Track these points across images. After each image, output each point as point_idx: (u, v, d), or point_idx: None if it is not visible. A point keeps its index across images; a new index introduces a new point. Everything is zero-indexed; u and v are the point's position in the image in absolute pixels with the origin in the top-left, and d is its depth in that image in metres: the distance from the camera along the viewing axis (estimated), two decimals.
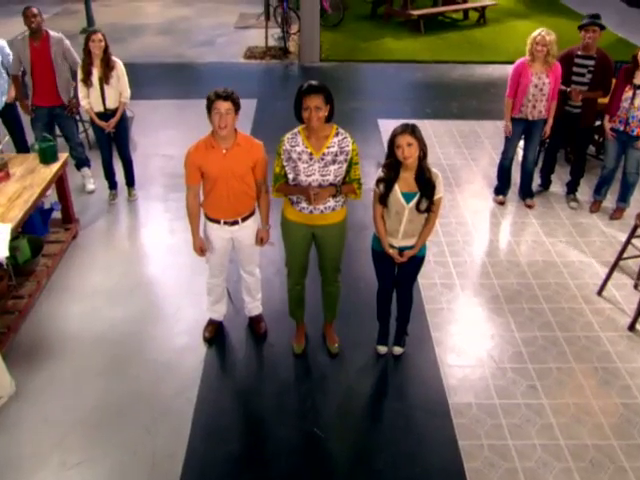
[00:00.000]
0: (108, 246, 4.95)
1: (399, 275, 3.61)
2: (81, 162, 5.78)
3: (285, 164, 3.29)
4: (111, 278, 4.53)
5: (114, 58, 5.12)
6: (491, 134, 7.03)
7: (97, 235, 5.11)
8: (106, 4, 13.47)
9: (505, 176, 5.62)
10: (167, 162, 6.33)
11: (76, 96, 5.29)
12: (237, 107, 3.24)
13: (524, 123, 5.21)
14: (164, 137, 6.88)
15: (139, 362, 3.76)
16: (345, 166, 3.24)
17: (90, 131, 6.40)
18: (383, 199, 3.30)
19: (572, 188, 5.69)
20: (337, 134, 3.22)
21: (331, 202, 3.32)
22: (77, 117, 6.04)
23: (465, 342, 3.99)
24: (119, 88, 5.16)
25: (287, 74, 9.25)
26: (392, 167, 3.23)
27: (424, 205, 3.26)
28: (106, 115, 5.21)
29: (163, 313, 4.17)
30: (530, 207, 5.58)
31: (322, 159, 3.20)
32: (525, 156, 5.49)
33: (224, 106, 3.16)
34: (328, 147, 3.19)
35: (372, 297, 3.84)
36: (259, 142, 3.45)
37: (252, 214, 3.61)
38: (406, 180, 3.25)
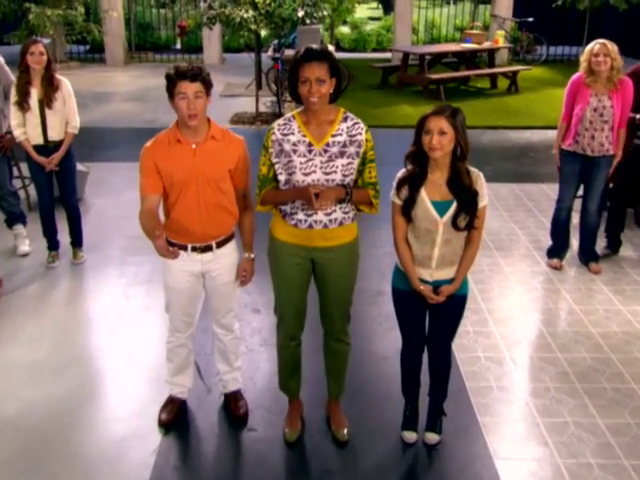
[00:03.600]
0: (38, 314, 4.75)
1: (432, 325, 3.30)
2: (14, 217, 5.57)
3: (275, 161, 3.03)
4: (38, 351, 4.30)
5: (59, 76, 5.02)
6: (537, 197, 7.17)
7: (25, 301, 4.91)
8: (68, 73, 14.06)
9: (561, 233, 5.42)
10: (127, 223, 6.19)
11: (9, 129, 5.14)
12: (209, 88, 3.06)
13: (581, 160, 5.03)
14: (126, 199, 6.82)
15: (61, 456, 3.39)
16: (357, 162, 3.00)
17: (31, 188, 6.19)
18: (406, 210, 3.00)
19: None
20: (345, 119, 3.01)
21: (337, 212, 3.04)
22: (9, 157, 5.73)
23: (526, 429, 3.63)
24: (65, 114, 5.01)
25: None
26: (418, 160, 2.97)
27: (463, 221, 2.98)
28: (47, 149, 5.04)
29: (103, 392, 3.95)
30: (596, 273, 5.32)
31: (325, 151, 2.96)
32: (585, 206, 5.28)
33: (192, 88, 2.97)
34: (333, 135, 2.97)
35: (394, 361, 3.66)
36: (239, 137, 3.24)
37: (231, 238, 3.34)
38: (435, 184, 3.00)
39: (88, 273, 5.33)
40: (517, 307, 4.85)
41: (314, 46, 2.92)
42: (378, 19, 21.76)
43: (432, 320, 3.27)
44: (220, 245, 3.27)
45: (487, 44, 13.00)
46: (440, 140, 2.86)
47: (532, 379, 4.03)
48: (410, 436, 3.47)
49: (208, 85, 3.05)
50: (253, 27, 9.31)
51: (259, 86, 10.92)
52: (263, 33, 12.16)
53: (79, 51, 15.87)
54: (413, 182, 2.99)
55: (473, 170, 3.01)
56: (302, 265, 3.15)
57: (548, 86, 12.93)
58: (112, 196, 6.88)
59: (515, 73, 12.50)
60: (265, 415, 3.66)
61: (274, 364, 3.65)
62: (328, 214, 3.01)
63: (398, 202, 3.03)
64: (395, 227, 3.11)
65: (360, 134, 3.00)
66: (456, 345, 4.14)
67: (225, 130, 3.22)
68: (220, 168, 3.14)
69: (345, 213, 3.06)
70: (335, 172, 2.96)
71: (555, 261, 5.43)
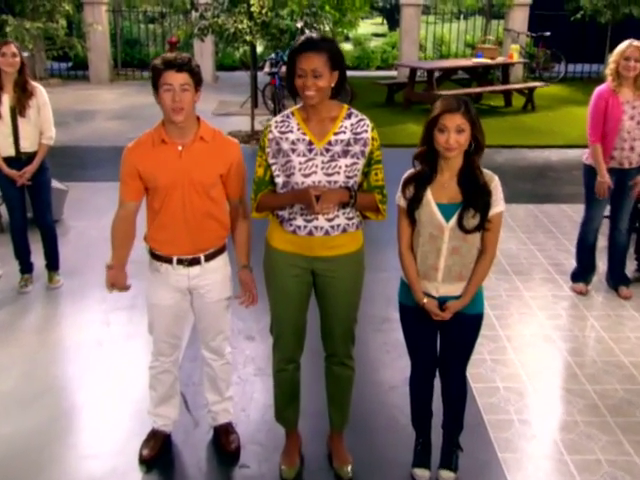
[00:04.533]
0: (8, 342, 4.70)
1: (444, 347, 3.25)
2: None
3: (272, 161, 3.01)
4: (5, 382, 4.25)
5: (34, 82, 5.04)
6: (557, 218, 7.21)
7: None
8: (48, 90, 14.07)
9: (588, 255, 5.39)
10: (109, 245, 6.10)
11: None
12: (198, 81, 3.04)
13: (615, 176, 4.97)
14: (109, 220, 6.71)
15: None
16: (362, 163, 2.98)
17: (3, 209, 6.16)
18: (411, 210, 3.00)
19: None
20: (349, 115, 3.00)
21: (340, 218, 3.01)
22: None
23: (553, 467, 3.55)
24: (39, 124, 5.01)
25: None
26: (427, 160, 2.96)
27: (472, 220, 2.93)
28: (19, 162, 5.02)
29: (77, 426, 3.89)
30: (626, 298, 5.27)
31: (327, 150, 2.95)
32: (615, 224, 5.28)
33: (178, 79, 2.95)
34: (336, 133, 2.96)
35: (403, 391, 3.63)
36: (233, 140, 3.23)
37: (221, 251, 3.30)
38: (443, 184, 2.97)
39: (65, 298, 5.29)
40: (539, 334, 4.80)
41: (314, 35, 2.92)
42: (383, 35, 22.09)
43: (443, 341, 3.22)
44: (209, 258, 3.23)
45: (501, 59, 13.14)
46: (458, 139, 2.84)
47: (558, 412, 3.97)
48: (422, 474, 3.40)
49: (197, 77, 3.02)
50: (248, 38, 9.39)
51: (255, 104, 10.98)
52: (259, 48, 12.31)
53: (60, 68, 16.03)
54: (419, 181, 2.97)
55: (487, 172, 2.99)
56: (301, 277, 3.11)
57: (567, 104, 13.06)
58: (93, 218, 6.83)
59: (531, 90, 12.60)
60: (259, 450, 3.61)
61: (269, 395, 3.61)
62: (330, 220, 2.97)
63: (403, 205, 3.02)
64: (399, 232, 3.09)
65: (366, 131, 2.97)
66: (472, 374, 4.09)
67: (217, 131, 3.19)
68: (209, 173, 3.11)
69: (349, 219, 3.02)
70: (338, 173, 2.93)
71: (580, 285, 5.38)
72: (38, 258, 5.49)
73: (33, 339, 4.72)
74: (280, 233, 3.08)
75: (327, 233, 2.99)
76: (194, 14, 9.70)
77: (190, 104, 3.01)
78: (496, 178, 2.98)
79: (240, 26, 9.26)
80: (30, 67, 5.25)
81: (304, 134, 2.96)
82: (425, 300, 3.04)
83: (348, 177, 2.95)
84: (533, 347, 4.64)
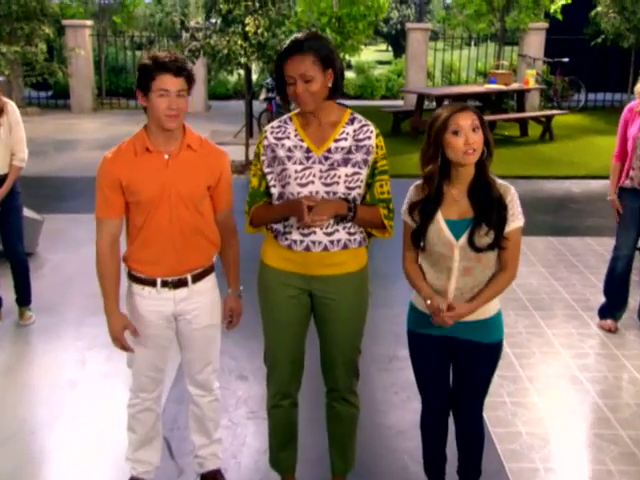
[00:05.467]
0: None
1: (457, 380, 3.18)
2: None
3: (267, 170, 2.99)
4: None
5: (5, 99, 5.03)
6: (581, 252, 7.23)
7: None
8: (25, 119, 14.23)
9: (617, 288, 5.34)
10: (87, 280, 6.05)
11: None
12: (191, 86, 3.04)
13: (635, 196, 4.97)
14: (87, 253, 6.67)
15: None
16: (365, 173, 2.96)
17: None
18: (417, 235, 2.96)
19: None
20: (352, 121, 2.99)
21: (340, 232, 2.97)
22: None
23: None
24: (10, 144, 5.01)
25: None
26: (437, 174, 2.90)
27: (484, 238, 2.87)
28: None
29: (46, 474, 3.83)
30: None
31: (326, 158, 2.92)
32: None
33: (175, 85, 2.93)
34: (336, 140, 2.94)
35: (413, 435, 3.59)
36: (221, 148, 3.23)
37: (210, 271, 3.26)
38: (452, 198, 2.93)
39: (37, 336, 5.25)
40: (564, 375, 4.74)
41: (299, 35, 2.89)
42: (388, 63, 22.39)
43: (457, 374, 3.16)
44: (197, 279, 3.18)
45: (515, 85, 13.24)
46: (476, 138, 2.80)
47: (588, 460, 3.87)
48: None
49: (192, 83, 3.03)
50: (243, 60, 9.47)
51: (250, 133, 11.03)
52: (254, 76, 12.43)
53: (39, 97, 16.19)
54: (427, 207, 2.92)
55: (502, 182, 2.94)
56: (298, 299, 3.07)
57: (588, 134, 13.22)
58: (70, 250, 6.91)
59: (549, 118, 12.72)
60: None
61: (264, 440, 3.57)
62: (329, 234, 2.93)
63: (409, 221, 3.01)
64: (403, 248, 3.09)
65: (369, 138, 2.95)
66: (490, 417, 4.05)
67: (203, 139, 3.18)
68: (197, 184, 3.08)
69: (350, 234, 2.98)
70: (337, 183, 2.91)
71: (609, 322, 5.32)
72: (8, 292, 5.46)
73: (0, 380, 4.65)
74: (275, 249, 3.05)
75: (326, 249, 2.95)
76: (184, 35, 9.77)
77: (184, 110, 3.00)
78: (512, 189, 2.93)
79: (234, 47, 9.36)
80: (6, 94, 5.24)
81: (302, 140, 2.94)
82: (428, 302, 2.93)
83: (349, 188, 2.92)
84: (558, 389, 4.57)
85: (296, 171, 2.91)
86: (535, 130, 12.97)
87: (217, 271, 3.30)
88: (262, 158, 2.98)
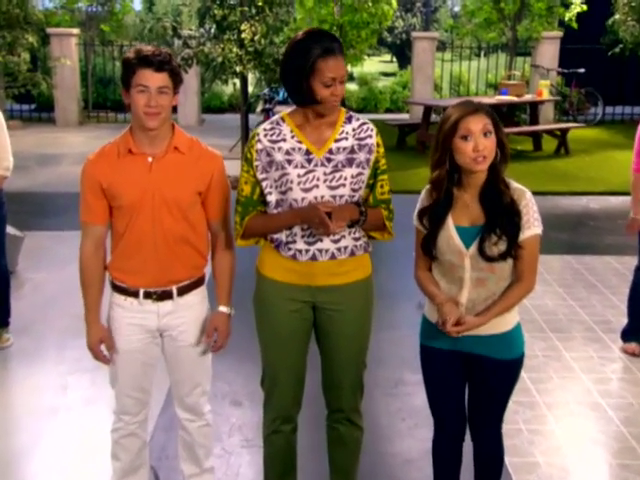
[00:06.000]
0: None
1: (473, 400, 3.15)
2: None
3: (262, 176, 2.97)
4: None
5: None
6: (601, 271, 7.22)
7: None
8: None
9: None
10: (71, 300, 6.04)
11: None
12: (177, 82, 3.01)
13: None
14: (71, 272, 6.69)
15: None
16: (367, 174, 3.00)
17: None
18: (428, 241, 2.95)
19: None
20: (349, 119, 3.02)
21: (347, 239, 2.99)
22: None
23: None
24: None
25: None
26: (445, 180, 2.89)
27: (495, 247, 2.84)
28: None
29: None
30: None
31: (328, 159, 2.94)
32: None
33: (156, 80, 2.90)
34: (337, 140, 2.97)
35: (422, 464, 3.62)
36: (215, 151, 3.19)
37: (199, 283, 3.22)
38: (464, 204, 2.91)
39: (15, 359, 5.23)
40: (584, 401, 4.70)
41: (321, 29, 2.99)
42: (392, 74, 22.50)
43: (473, 392, 3.13)
44: (183, 292, 3.14)
45: (528, 97, 13.27)
46: (488, 144, 2.77)
47: None
48: None
49: (177, 79, 2.99)
50: (238, 69, 9.51)
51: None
52: (250, 88, 12.45)
53: (22, 110, 16.22)
54: (437, 211, 2.92)
55: (517, 186, 2.91)
56: (301, 312, 3.07)
57: (606, 148, 13.26)
58: (53, 269, 6.90)
59: (564, 132, 12.76)
60: None
61: (259, 470, 3.55)
62: (336, 241, 2.95)
63: (419, 227, 3.01)
64: (415, 256, 3.08)
65: (370, 137, 3.00)
66: (506, 447, 3.83)
67: (194, 140, 3.14)
68: (184, 189, 3.05)
69: (356, 240, 3.01)
70: (343, 185, 2.93)
71: (633, 345, 5.30)
72: None
73: None
74: (275, 259, 3.04)
75: (333, 257, 2.97)
76: (177, 42, 9.80)
77: (167, 109, 2.96)
78: (528, 194, 2.90)
79: (229, 55, 9.39)
80: None
81: (300, 142, 2.94)
82: (445, 307, 2.88)
83: (354, 190, 2.96)
84: (578, 416, 4.54)
85: (299, 175, 2.91)
86: (549, 144, 12.99)
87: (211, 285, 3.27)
88: (255, 163, 2.95)
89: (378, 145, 2.99)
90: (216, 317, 3.21)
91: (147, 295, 3.10)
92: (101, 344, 3.15)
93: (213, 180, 3.09)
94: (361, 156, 2.95)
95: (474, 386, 3.09)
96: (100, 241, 3.10)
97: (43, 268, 6.96)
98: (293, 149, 2.93)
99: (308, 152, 2.92)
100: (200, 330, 3.22)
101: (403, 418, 4.38)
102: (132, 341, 3.14)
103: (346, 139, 2.95)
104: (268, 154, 2.94)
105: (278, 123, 2.99)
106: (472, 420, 3.16)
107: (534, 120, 13.51)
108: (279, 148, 2.94)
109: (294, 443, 3.29)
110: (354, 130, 2.97)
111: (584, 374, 5.02)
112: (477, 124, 2.76)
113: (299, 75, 2.85)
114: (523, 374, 4.71)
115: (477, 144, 2.75)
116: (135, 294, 3.11)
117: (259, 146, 2.95)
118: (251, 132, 3.23)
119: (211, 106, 17.99)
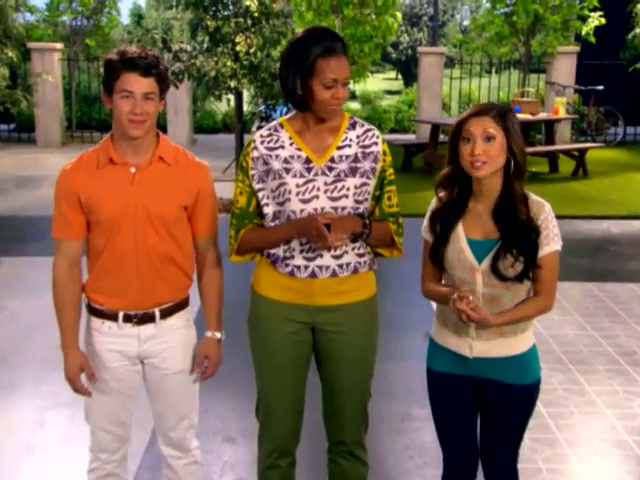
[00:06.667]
0: None
1: (485, 431, 3.11)
2: None
3: (258, 187, 2.96)
4: None
5: None
6: (625, 299, 7.24)
7: None
8: None
9: None
10: (49, 330, 6.00)
11: None
12: (164, 88, 2.98)
13: None
14: (49, 300, 6.70)
15: None
16: (373, 184, 2.99)
17: None
18: (436, 249, 2.93)
19: None
20: (353, 125, 3.02)
21: (350, 255, 2.98)
22: None
23: None
24: None
25: None
26: (454, 183, 2.90)
27: (512, 268, 2.80)
28: None
29: None
30: None
31: (330, 169, 2.93)
32: None
33: (141, 86, 2.87)
34: (339, 147, 2.96)
35: None
36: (202, 162, 3.16)
37: (183, 306, 3.18)
38: (477, 215, 2.90)
39: None
40: (609, 438, 4.65)
41: (329, 32, 2.96)
42: (397, 92, 22.61)
43: (485, 421, 3.09)
44: (167, 314, 3.09)
45: (543, 115, 13.30)
46: (486, 149, 2.75)
47: None
48: None
49: (164, 84, 2.96)
50: (233, 84, 9.54)
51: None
52: (245, 106, 12.49)
53: (0, 129, 16.28)
54: (447, 215, 2.91)
55: (536, 199, 2.89)
56: (299, 335, 3.05)
57: (628, 170, 13.35)
58: (30, 297, 6.87)
59: (583, 152, 12.79)
60: None
61: None
62: (337, 257, 2.93)
63: (428, 238, 3.00)
64: (422, 269, 3.07)
65: (376, 144, 3.00)
66: (528, 475, 3.94)
67: (180, 150, 3.11)
68: (169, 203, 3.01)
69: (359, 256, 2.99)
70: (346, 197, 2.92)
71: None
72: None
73: None
74: (271, 277, 3.02)
75: (334, 274, 2.95)
76: (167, 55, 9.84)
77: (153, 116, 2.93)
78: (547, 207, 2.87)
79: (223, 69, 9.43)
80: None
81: (299, 149, 2.94)
82: (454, 296, 2.81)
83: (357, 202, 2.94)
84: (602, 454, 4.48)
85: (297, 185, 2.89)
86: (566, 166, 13.04)
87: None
88: (251, 172, 2.94)
89: (385, 153, 2.98)
90: (206, 343, 3.17)
91: (127, 318, 3.05)
92: (81, 372, 3.09)
93: (200, 193, 3.05)
94: (365, 165, 2.94)
95: (486, 416, 3.06)
96: (75, 259, 3.05)
97: (19, 296, 6.96)
98: (292, 157, 2.92)
99: (308, 160, 2.91)
100: (186, 356, 3.17)
101: (411, 456, 4.33)
102: (109, 370, 3.09)
103: (349, 146, 2.94)
104: (265, 162, 2.93)
105: (276, 129, 2.98)
106: (485, 455, 3.11)
107: (550, 140, 13.55)
108: (277, 156, 2.93)
109: (292, 479, 3.25)
110: (358, 137, 2.97)
111: (608, 409, 4.98)
112: (477, 127, 2.76)
113: (298, 75, 2.84)
114: (541, 409, 4.74)
115: (474, 148, 2.75)
116: (114, 317, 3.06)
117: (255, 153, 2.94)
118: (247, 139, 3.20)
119: (204, 126, 18.07)
